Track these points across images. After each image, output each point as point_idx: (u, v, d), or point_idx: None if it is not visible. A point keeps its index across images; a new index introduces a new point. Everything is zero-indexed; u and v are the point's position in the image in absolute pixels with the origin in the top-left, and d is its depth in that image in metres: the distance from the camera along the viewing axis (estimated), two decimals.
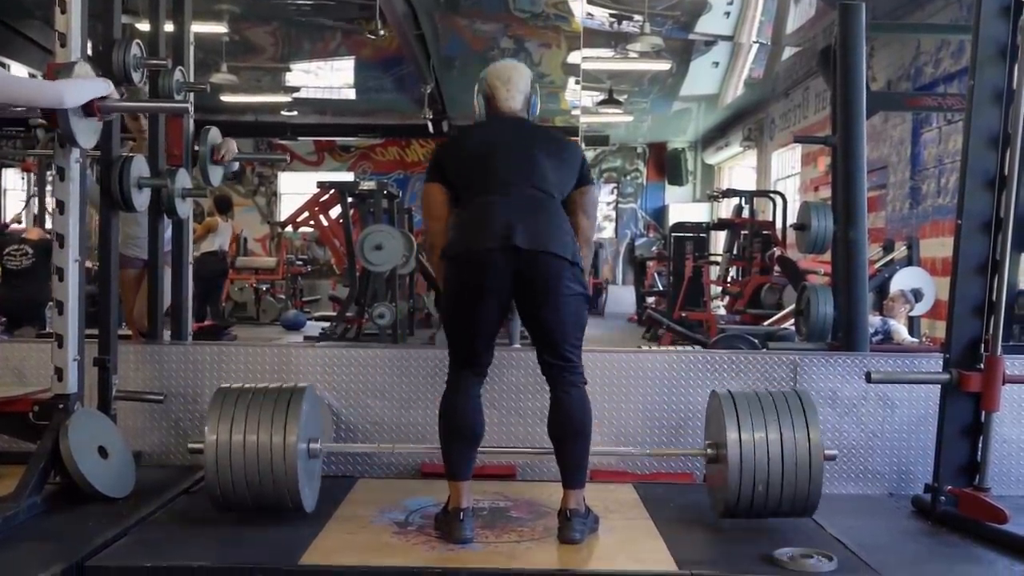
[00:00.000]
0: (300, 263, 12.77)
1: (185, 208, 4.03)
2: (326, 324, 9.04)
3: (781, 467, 2.90)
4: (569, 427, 2.89)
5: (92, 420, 3.30)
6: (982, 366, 3.16)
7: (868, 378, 3.28)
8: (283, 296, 11.94)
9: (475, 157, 2.98)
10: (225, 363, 3.78)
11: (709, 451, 3.10)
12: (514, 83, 3.07)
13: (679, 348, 5.60)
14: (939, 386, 3.30)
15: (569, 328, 2.89)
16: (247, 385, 3.10)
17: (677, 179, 17.72)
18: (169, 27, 4.21)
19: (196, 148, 4.19)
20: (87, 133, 3.15)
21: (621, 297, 14.09)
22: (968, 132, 3.28)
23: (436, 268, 3.05)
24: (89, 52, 3.41)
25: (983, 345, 3.19)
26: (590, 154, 16.41)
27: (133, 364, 3.74)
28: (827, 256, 5.20)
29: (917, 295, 6.74)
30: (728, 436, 2.93)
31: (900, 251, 7.46)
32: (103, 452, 3.23)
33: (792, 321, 6.47)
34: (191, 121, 4.23)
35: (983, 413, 3.18)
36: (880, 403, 3.67)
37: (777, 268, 8.78)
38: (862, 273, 4.52)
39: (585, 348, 2.98)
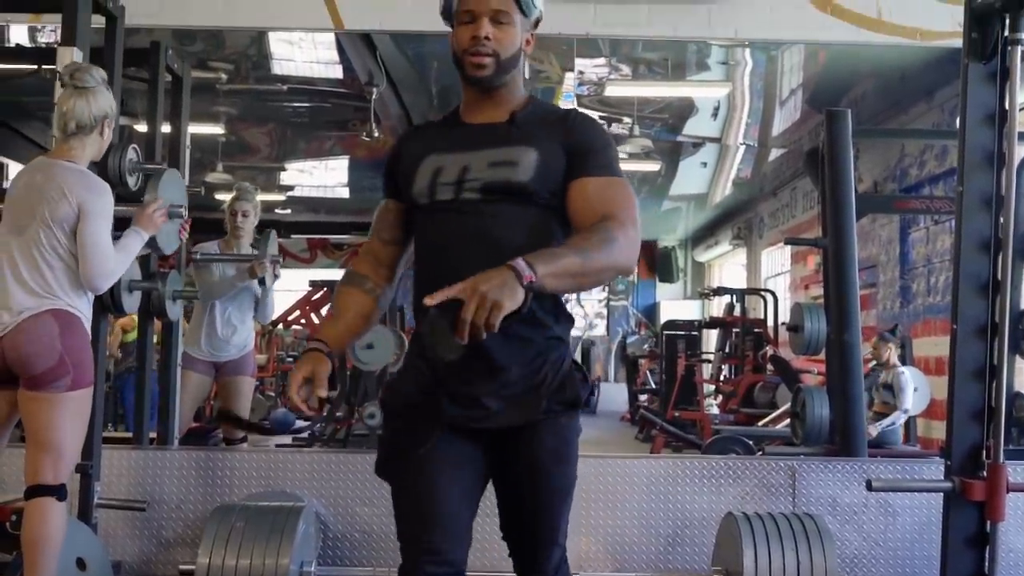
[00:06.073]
0: (291, 360, 12.68)
1: (176, 310, 4.00)
2: (317, 425, 8.91)
3: None
4: None
5: (71, 530, 3.18)
6: (985, 473, 3.10)
7: (869, 486, 3.21)
8: (272, 393, 11.82)
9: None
10: (211, 469, 3.70)
11: None
12: None
13: (675, 454, 5.51)
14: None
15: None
16: (247, 503, 3.03)
17: (668, 276, 17.84)
18: (166, 128, 4.27)
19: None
20: None
21: (613, 395, 13.98)
22: (959, 237, 3.29)
23: None
24: None
25: (984, 452, 3.14)
26: None
27: (117, 470, 3.66)
28: (820, 354, 5.18)
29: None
30: (744, 564, 2.82)
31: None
32: (81, 564, 3.12)
33: (787, 421, 6.41)
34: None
35: (988, 522, 3.11)
36: (882, 511, 3.59)
37: (770, 366, 8.75)
38: (857, 376, 4.49)
39: (579, 454, 2.91)
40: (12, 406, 2.83)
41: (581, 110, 2.00)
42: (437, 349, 1.64)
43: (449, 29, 2.00)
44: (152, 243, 3.22)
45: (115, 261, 2.91)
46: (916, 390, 6.42)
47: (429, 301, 1.61)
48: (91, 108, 2.92)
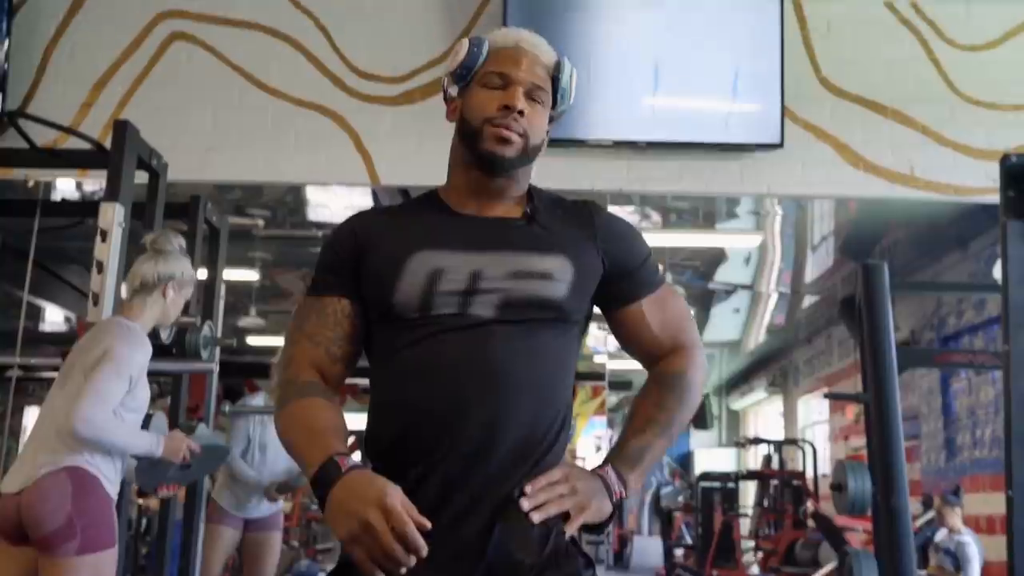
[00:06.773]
0: (315, 508, 12.45)
1: None
2: None
3: None
4: None
5: None
6: None
7: None
8: (296, 544, 11.54)
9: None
10: None
11: None
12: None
13: None
14: None
15: None
16: None
17: (702, 424, 17.51)
18: (202, 273, 4.30)
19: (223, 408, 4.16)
20: None
21: (647, 548, 13.52)
22: (1009, 399, 3.16)
23: None
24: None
25: None
26: (613, 398, 16.32)
27: None
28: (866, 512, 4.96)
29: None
30: None
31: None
32: None
33: None
34: (215, 376, 4.22)
35: None
36: None
37: (811, 522, 8.42)
38: (908, 543, 4.24)
39: None
40: (28, 568, 2.72)
41: (601, 206, 1.59)
42: (511, 545, 1.35)
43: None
44: (139, 467, 2.98)
45: (110, 421, 2.68)
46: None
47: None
48: (157, 268, 2.98)
